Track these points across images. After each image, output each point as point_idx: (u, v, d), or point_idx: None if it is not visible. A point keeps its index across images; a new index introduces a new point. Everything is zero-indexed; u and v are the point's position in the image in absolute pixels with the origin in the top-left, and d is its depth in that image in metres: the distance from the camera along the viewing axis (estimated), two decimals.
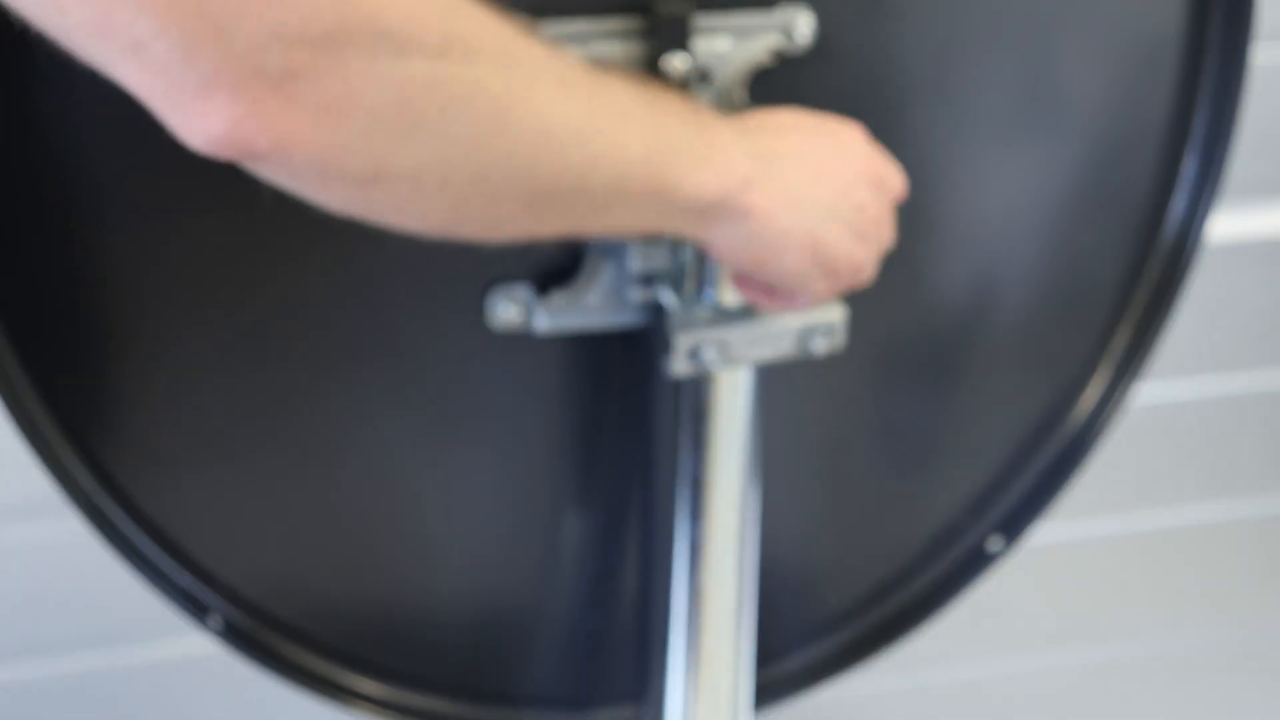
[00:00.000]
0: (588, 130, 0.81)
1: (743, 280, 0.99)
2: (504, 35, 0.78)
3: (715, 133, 0.89)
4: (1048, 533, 1.84)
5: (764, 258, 0.94)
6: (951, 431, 1.23)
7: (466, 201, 0.79)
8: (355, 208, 0.77)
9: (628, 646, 1.20)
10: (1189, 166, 1.19)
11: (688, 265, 1.04)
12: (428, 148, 0.75)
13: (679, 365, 1.01)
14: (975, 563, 1.26)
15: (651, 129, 0.85)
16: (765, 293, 0.99)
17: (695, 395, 1.06)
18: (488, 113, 0.77)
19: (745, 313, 1.03)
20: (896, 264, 1.14)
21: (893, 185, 0.99)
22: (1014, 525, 1.26)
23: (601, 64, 0.86)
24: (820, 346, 1.04)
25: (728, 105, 1.03)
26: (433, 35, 0.73)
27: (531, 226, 0.84)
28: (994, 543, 1.27)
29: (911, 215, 1.13)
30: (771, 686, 1.24)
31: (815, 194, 0.94)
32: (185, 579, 1.12)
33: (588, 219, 0.85)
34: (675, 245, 1.05)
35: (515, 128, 0.78)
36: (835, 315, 1.04)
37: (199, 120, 0.69)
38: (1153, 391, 1.81)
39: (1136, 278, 1.21)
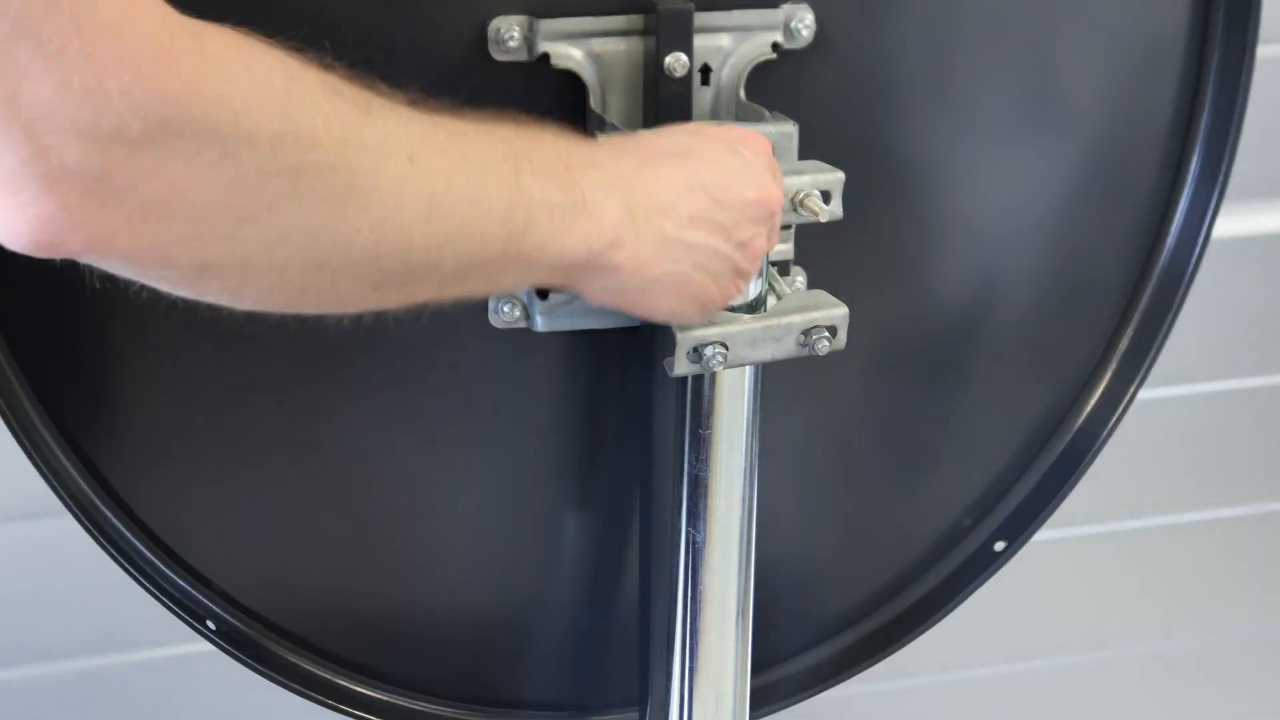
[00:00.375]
0: (439, 207, 0.78)
1: None
2: (348, 119, 0.75)
3: (586, 187, 0.86)
4: (1048, 532, 1.84)
5: (632, 304, 0.92)
6: (955, 433, 1.23)
7: (306, 286, 0.75)
8: (183, 293, 0.73)
9: (627, 649, 1.20)
10: (1193, 166, 1.18)
11: None
12: (258, 239, 0.71)
13: (681, 365, 1.00)
14: (980, 565, 1.26)
15: (513, 193, 0.82)
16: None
17: (697, 395, 1.06)
18: (324, 202, 0.73)
19: (748, 313, 1.03)
20: (900, 264, 1.14)
21: (778, 216, 0.96)
22: (1018, 527, 1.26)
23: (474, 115, 0.84)
24: (823, 347, 1.03)
25: (728, 103, 1.03)
26: (265, 130, 0.70)
27: (380, 302, 0.80)
28: (998, 545, 1.26)
29: (914, 214, 1.13)
30: (776, 689, 1.24)
31: (694, 241, 0.91)
32: (182, 584, 1.11)
33: (444, 290, 0.82)
34: None
35: (355, 214, 0.74)
36: (838, 315, 1.04)
37: (7, 216, 0.65)
38: (1154, 391, 1.80)
39: (1141, 279, 1.21)
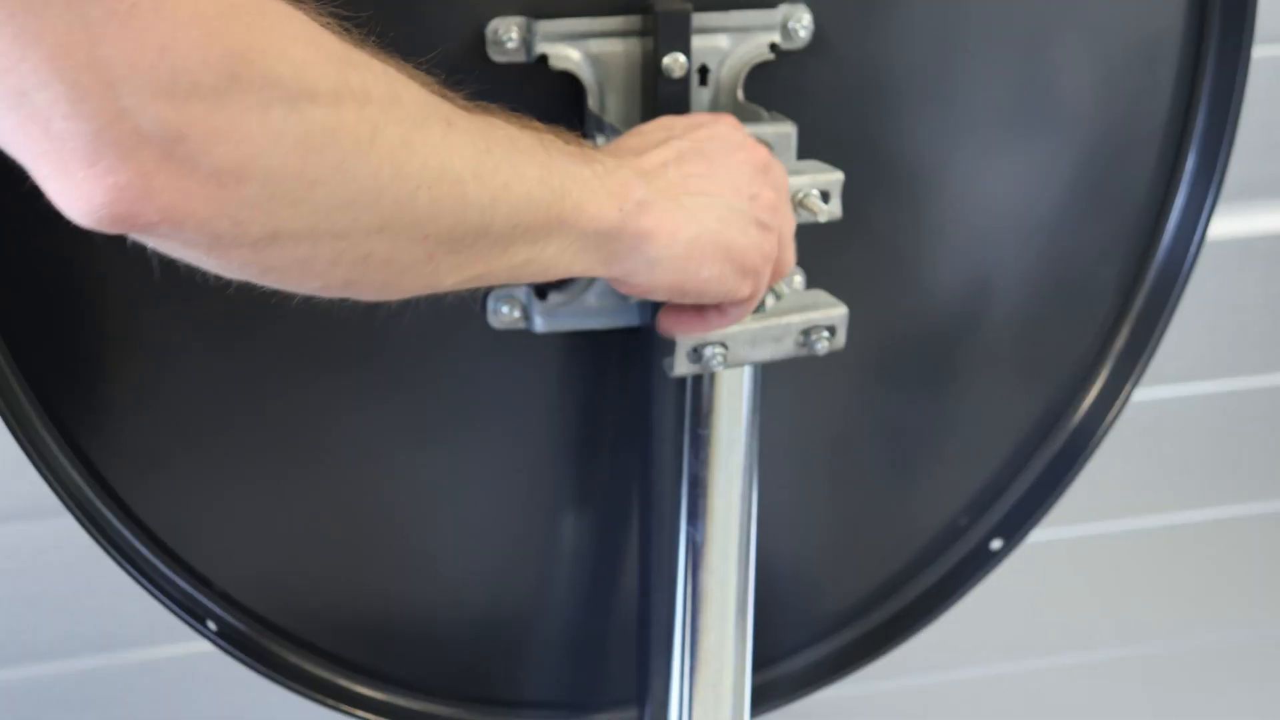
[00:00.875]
0: (485, 166, 0.79)
1: (672, 315, 0.98)
2: (392, 81, 0.76)
3: (600, 161, 0.88)
4: (1047, 532, 1.84)
5: (679, 279, 0.92)
6: (952, 432, 1.23)
7: (369, 255, 0.75)
8: (249, 272, 0.73)
9: (626, 649, 1.20)
10: (1189, 165, 1.18)
11: None
12: (327, 202, 0.71)
13: (680, 366, 1.01)
14: (976, 563, 1.26)
15: (543, 162, 0.83)
16: (697, 316, 0.97)
17: (696, 395, 1.06)
18: (387, 159, 0.73)
19: None
20: (896, 264, 1.14)
21: (775, 170, 0.97)
22: (1014, 526, 1.26)
23: (483, 105, 0.85)
24: (822, 346, 1.04)
25: (726, 104, 1.03)
26: (325, 85, 0.70)
27: (434, 276, 0.80)
28: (995, 543, 1.26)
29: (910, 214, 1.13)
30: (774, 688, 1.24)
31: (708, 198, 0.92)
32: (182, 584, 1.11)
33: (491, 260, 0.82)
34: None
35: (415, 171, 0.75)
36: (837, 315, 1.04)
37: (83, 186, 0.65)
38: (1153, 391, 1.81)
39: (1137, 278, 1.21)
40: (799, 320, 1.03)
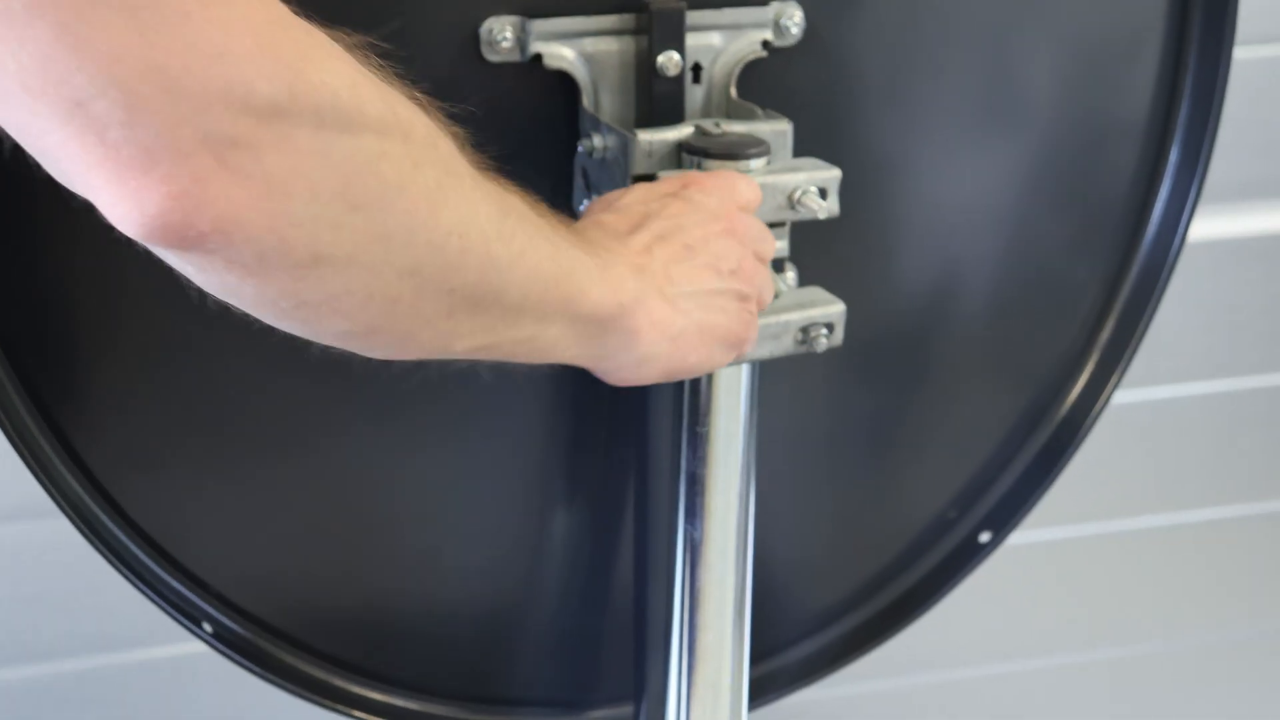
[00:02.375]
0: (505, 228, 0.79)
1: None
2: (428, 123, 0.76)
3: (595, 251, 0.88)
4: (1046, 532, 1.84)
5: (666, 369, 0.93)
6: (939, 426, 1.23)
7: (398, 299, 0.75)
8: (283, 305, 0.73)
9: (623, 646, 1.20)
10: (1172, 159, 1.19)
11: None
12: (366, 231, 0.71)
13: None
14: (966, 556, 1.26)
15: (551, 238, 0.84)
16: None
17: (694, 393, 1.06)
18: (424, 198, 0.74)
19: None
20: (886, 259, 1.14)
21: (749, 228, 0.97)
22: (1003, 519, 1.26)
23: (493, 175, 0.84)
24: (821, 343, 1.04)
25: (719, 101, 1.04)
26: (373, 112, 0.71)
27: (450, 335, 0.80)
28: (983, 536, 1.27)
29: (900, 209, 1.13)
30: (767, 682, 1.24)
31: (692, 287, 0.92)
32: (178, 587, 1.11)
33: (499, 330, 0.82)
34: None
35: (448, 217, 0.75)
36: (835, 312, 1.04)
37: (137, 195, 0.64)
38: (1151, 391, 1.81)
39: (1121, 272, 1.22)
40: (798, 318, 1.03)
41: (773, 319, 1.03)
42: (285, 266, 0.70)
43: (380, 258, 0.73)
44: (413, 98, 0.76)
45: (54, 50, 0.62)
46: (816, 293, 1.05)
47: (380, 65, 0.75)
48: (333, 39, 0.71)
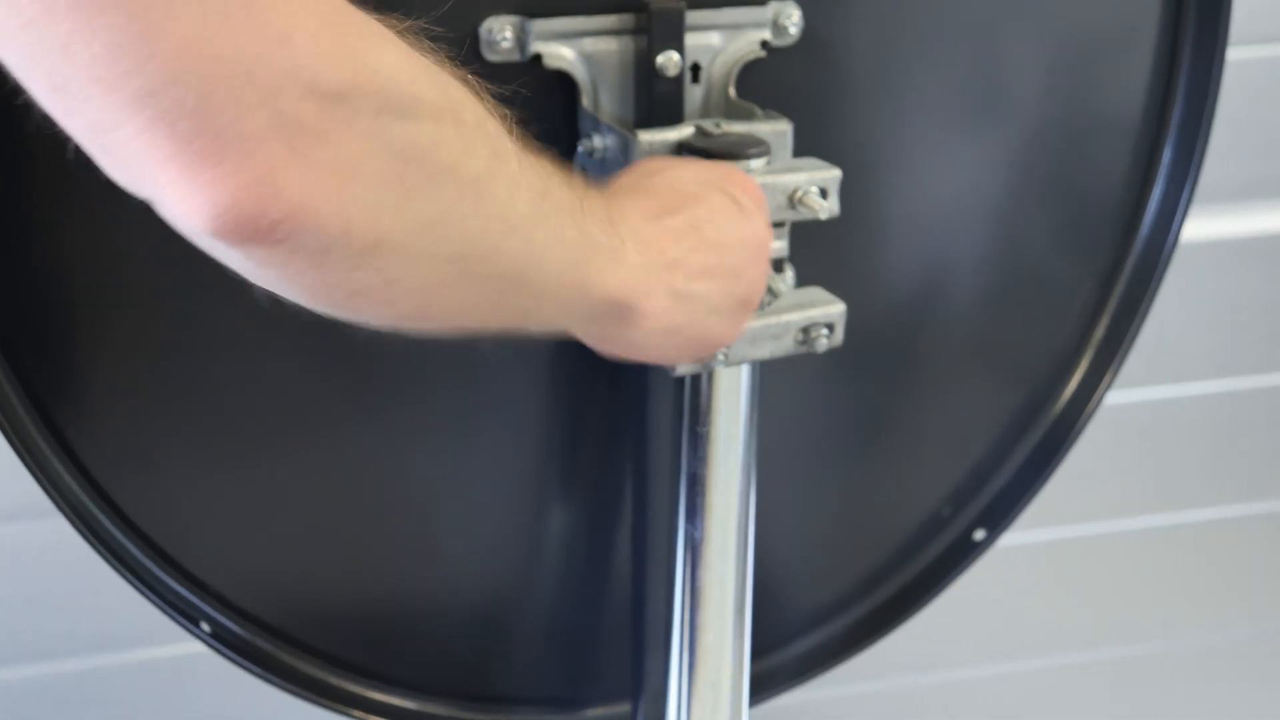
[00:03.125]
0: (539, 213, 0.80)
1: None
2: (478, 105, 0.76)
3: (624, 237, 0.89)
4: (1045, 532, 1.84)
5: (652, 356, 0.95)
6: (934, 423, 1.23)
7: (444, 282, 0.76)
8: (340, 294, 0.73)
9: (621, 645, 1.20)
10: (1166, 157, 1.19)
11: None
12: (420, 216, 0.72)
13: (683, 365, 1.01)
14: (960, 553, 1.26)
15: (580, 221, 0.84)
16: None
17: (695, 393, 1.06)
18: (470, 184, 0.74)
19: None
20: (882, 257, 1.15)
21: (768, 244, 0.98)
22: (997, 516, 1.26)
23: (529, 143, 0.85)
24: (822, 343, 1.04)
25: (718, 101, 1.04)
26: (429, 98, 0.71)
27: (480, 317, 0.82)
28: (977, 534, 1.27)
29: (897, 207, 1.14)
30: (763, 680, 1.24)
31: (698, 291, 0.93)
32: (176, 586, 1.11)
33: (526, 311, 0.84)
34: None
35: (490, 203, 0.76)
36: (836, 312, 1.04)
37: (209, 189, 0.64)
38: (1151, 390, 1.81)
39: (1114, 270, 1.22)
40: (798, 318, 1.04)
41: (773, 319, 1.03)
42: (347, 254, 0.70)
43: (432, 243, 0.73)
44: (463, 80, 0.76)
45: (125, 39, 0.61)
46: (816, 293, 1.05)
47: (431, 48, 0.75)
48: (384, 24, 0.71)
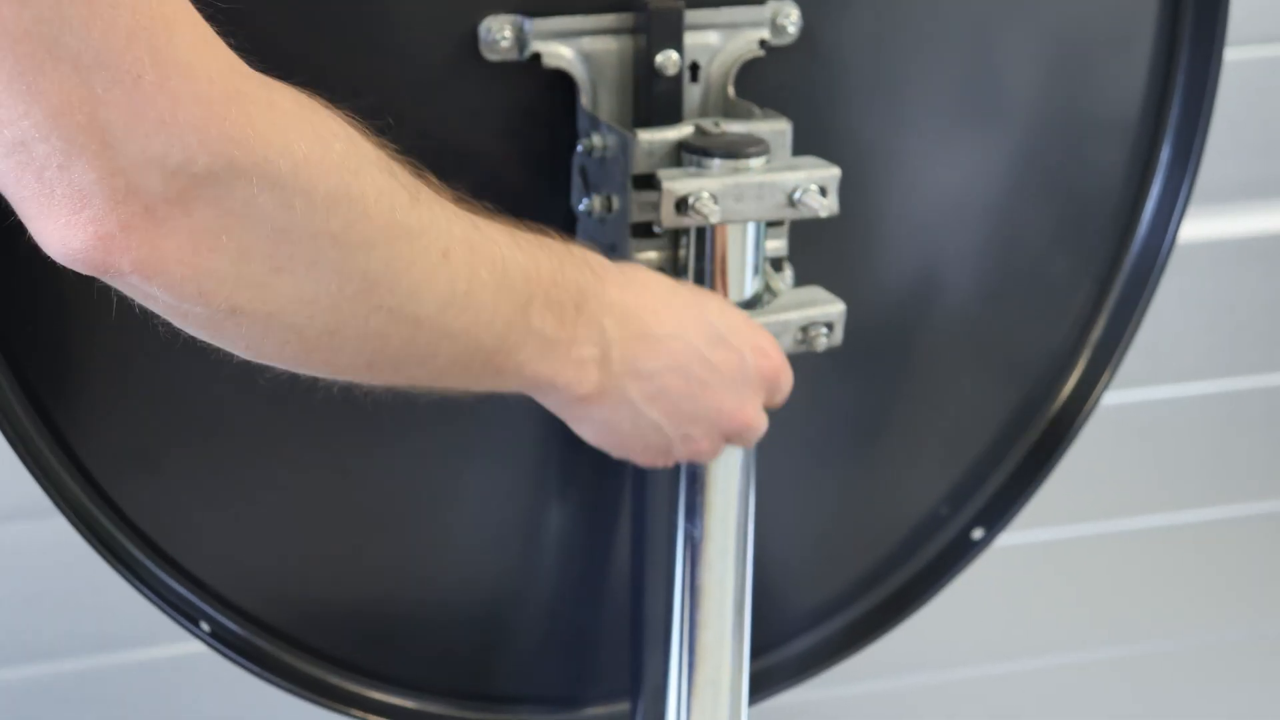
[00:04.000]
0: (454, 307, 0.82)
1: None
2: (397, 199, 0.78)
3: (581, 336, 0.90)
4: (1044, 532, 1.84)
5: (569, 422, 0.97)
6: (932, 423, 1.23)
7: (312, 351, 0.78)
8: (202, 335, 0.76)
9: (620, 644, 1.20)
10: (1164, 157, 1.19)
11: (689, 263, 1.04)
12: (289, 294, 0.74)
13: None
14: (958, 552, 1.26)
15: (519, 316, 0.86)
16: None
17: None
18: (357, 277, 0.76)
19: (747, 309, 1.04)
20: (880, 256, 1.15)
21: (743, 430, 1.00)
22: (995, 515, 1.26)
23: (503, 223, 0.87)
24: (821, 342, 1.04)
25: (716, 101, 1.04)
26: (321, 190, 0.73)
27: (367, 379, 0.85)
28: (976, 533, 1.27)
29: (892, 208, 1.14)
30: (761, 678, 1.24)
31: (644, 411, 0.95)
32: (175, 586, 1.11)
33: (423, 380, 0.87)
34: (673, 242, 1.05)
35: (380, 297, 0.78)
36: (835, 311, 1.04)
37: (65, 230, 0.68)
38: (1151, 390, 1.81)
39: (1113, 269, 1.22)
40: (797, 317, 1.04)
41: (773, 318, 1.03)
42: (203, 312, 0.73)
43: (301, 318, 0.76)
44: (405, 162, 0.79)
45: (6, 93, 0.65)
46: (816, 292, 1.06)
47: (370, 131, 0.77)
48: (311, 107, 0.73)
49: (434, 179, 0.83)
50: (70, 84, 0.65)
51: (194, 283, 0.71)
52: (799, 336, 1.04)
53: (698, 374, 0.95)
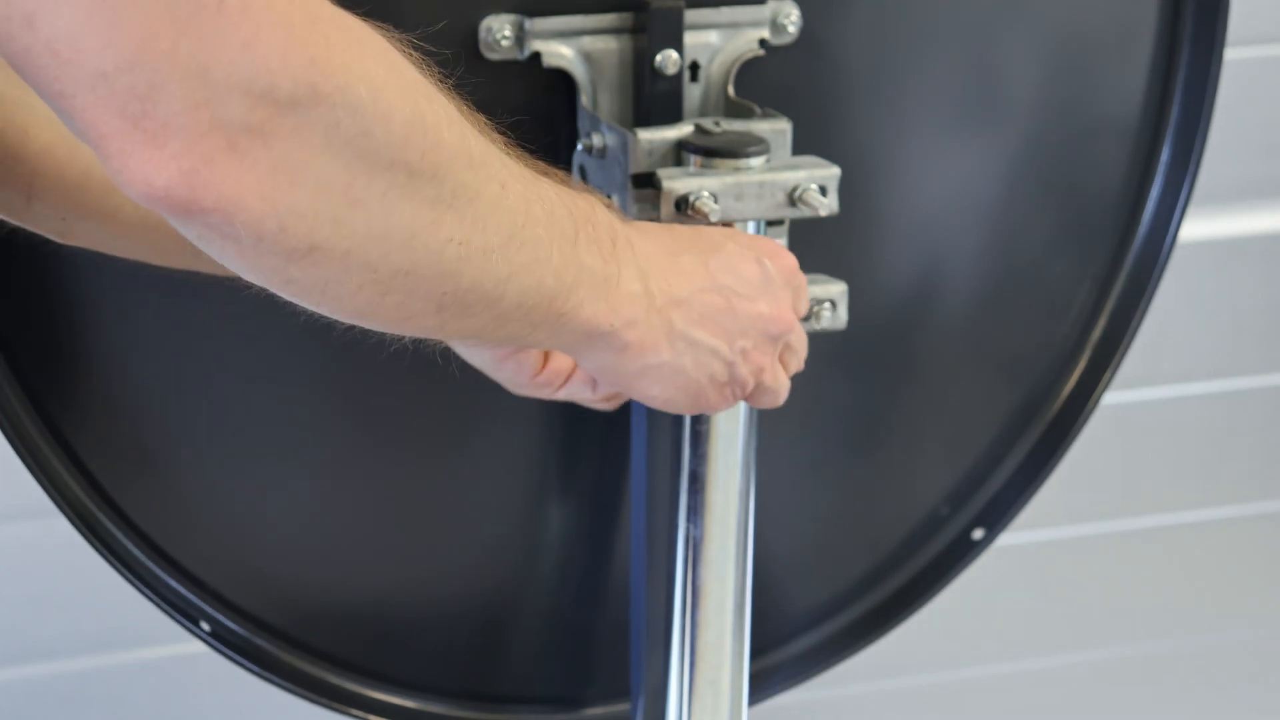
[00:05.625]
0: (516, 241, 0.80)
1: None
2: (466, 130, 0.77)
3: (622, 264, 0.89)
4: (1044, 532, 1.84)
5: (628, 385, 0.94)
6: (932, 423, 1.23)
7: (386, 293, 0.76)
8: (276, 281, 0.74)
9: (620, 644, 1.20)
10: (1164, 157, 1.19)
11: None
12: (365, 228, 0.73)
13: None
14: (959, 552, 1.26)
15: (570, 247, 0.84)
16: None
17: None
18: (429, 204, 0.75)
19: None
20: (878, 257, 1.15)
21: (786, 328, 0.98)
22: (995, 515, 1.26)
23: (537, 164, 0.86)
24: (825, 318, 1.04)
25: (716, 100, 1.04)
26: (399, 115, 0.72)
27: (437, 329, 0.83)
28: (976, 533, 1.27)
29: (892, 208, 1.14)
30: (761, 678, 1.24)
31: (694, 337, 0.93)
32: (175, 585, 1.11)
33: (489, 328, 0.84)
34: None
35: (451, 224, 0.76)
36: (837, 291, 1.04)
37: (147, 167, 0.66)
38: (1151, 390, 1.81)
39: (1113, 269, 1.22)
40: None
41: None
42: (280, 251, 0.71)
43: (375, 255, 0.74)
44: (456, 101, 0.77)
45: (89, 23, 0.63)
46: (818, 276, 1.06)
47: (426, 66, 0.76)
48: (378, 34, 0.72)
49: (482, 120, 0.81)
50: (154, 11, 0.63)
51: (274, 218, 0.69)
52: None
53: (730, 286, 0.94)
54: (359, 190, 0.71)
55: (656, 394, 0.94)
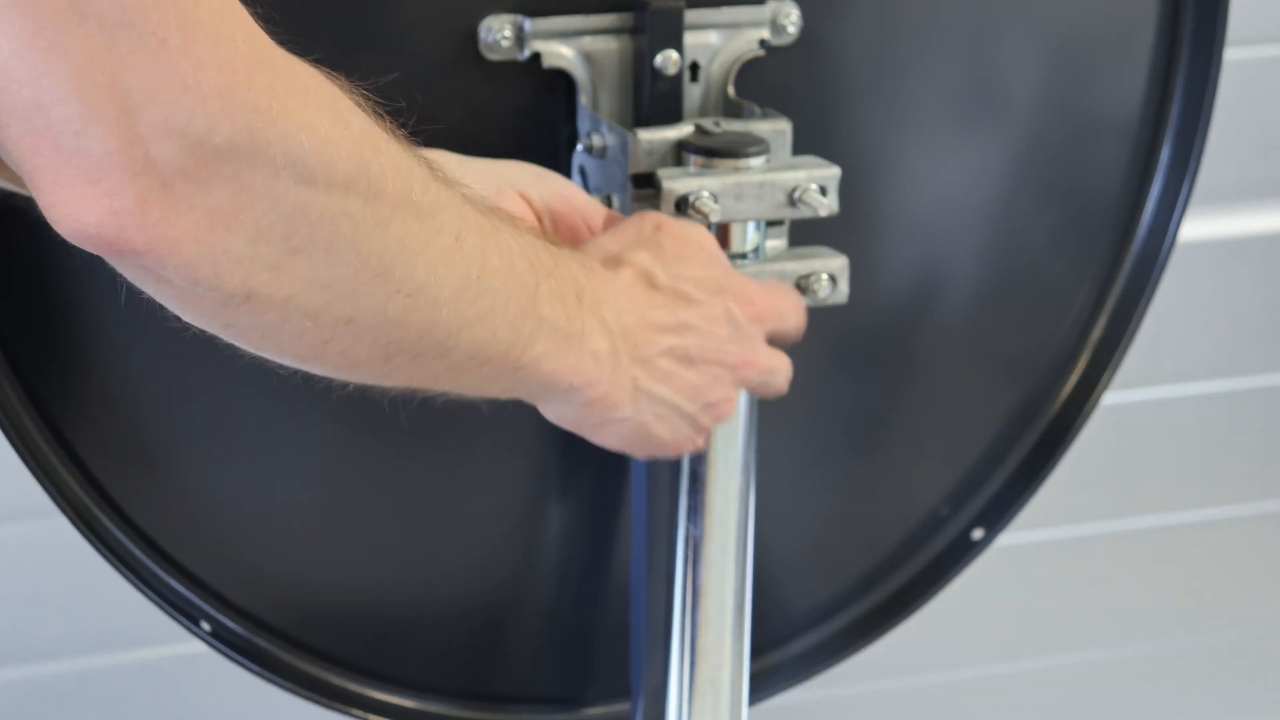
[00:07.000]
0: (470, 292, 0.80)
1: None
2: (414, 182, 0.76)
3: (586, 322, 0.88)
4: (1044, 532, 1.84)
5: (588, 433, 0.95)
6: (932, 423, 1.23)
7: (328, 340, 0.75)
8: (215, 325, 0.73)
9: (620, 643, 1.20)
10: (1164, 157, 1.19)
11: None
12: (305, 277, 0.71)
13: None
14: (959, 553, 1.26)
15: (529, 300, 0.84)
16: None
17: None
18: (374, 259, 0.74)
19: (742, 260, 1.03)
20: (880, 256, 1.15)
21: (753, 375, 0.98)
22: (995, 515, 1.26)
23: (500, 212, 0.85)
24: (824, 289, 1.03)
25: (716, 100, 1.04)
26: (342, 166, 0.71)
27: (384, 377, 0.82)
28: (976, 533, 1.27)
29: (891, 208, 1.14)
30: (760, 678, 1.24)
31: (659, 394, 0.93)
32: (175, 585, 1.11)
33: (441, 378, 0.84)
34: None
35: (397, 280, 0.75)
36: (837, 265, 1.04)
37: (79, 204, 0.65)
38: (1150, 390, 1.81)
39: (1113, 269, 1.22)
40: (796, 268, 1.03)
41: (771, 267, 1.03)
42: (216, 296, 0.70)
43: (317, 304, 0.73)
44: (411, 150, 0.76)
45: (26, 51, 0.62)
46: (819, 249, 1.05)
47: (378, 113, 0.75)
48: (327, 84, 0.71)
49: (438, 162, 0.81)
50: (94, 42, 0.62)
51: (209, 263, 0.68)
52: (799, 284, 1.03)
53: (697, 343, 0.94)
54: (299, 239, 0.70)
55: (613, 444, 0.96)
